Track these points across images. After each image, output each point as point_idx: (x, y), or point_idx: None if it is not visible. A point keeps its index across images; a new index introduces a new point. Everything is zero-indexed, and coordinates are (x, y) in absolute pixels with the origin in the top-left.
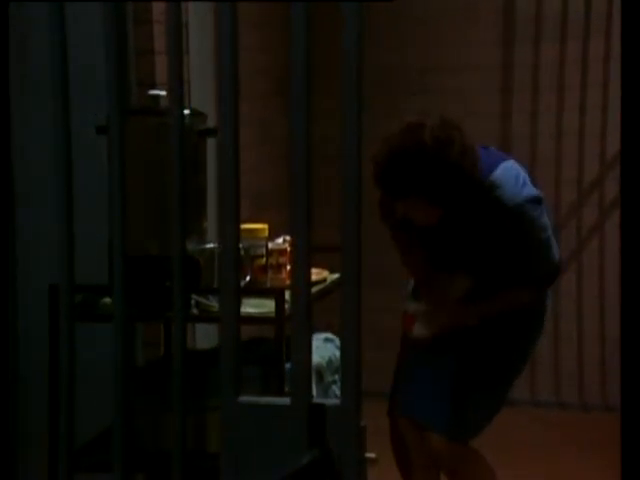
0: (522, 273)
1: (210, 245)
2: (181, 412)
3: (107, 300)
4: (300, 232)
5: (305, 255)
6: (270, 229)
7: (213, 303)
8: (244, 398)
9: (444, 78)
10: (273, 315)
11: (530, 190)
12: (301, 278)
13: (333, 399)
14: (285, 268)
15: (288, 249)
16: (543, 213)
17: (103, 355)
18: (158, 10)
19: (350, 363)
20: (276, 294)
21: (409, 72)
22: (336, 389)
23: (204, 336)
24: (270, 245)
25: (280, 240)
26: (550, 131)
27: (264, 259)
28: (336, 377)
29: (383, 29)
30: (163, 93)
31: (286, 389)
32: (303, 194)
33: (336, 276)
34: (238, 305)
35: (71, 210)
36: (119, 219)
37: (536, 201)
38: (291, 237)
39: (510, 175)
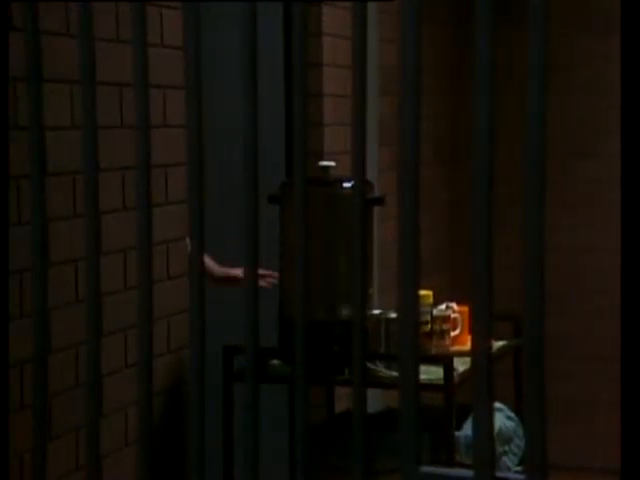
0: None
1: (376, 311)
2: (362, 476)
3: (275, 362)
4: (481, 299)
5: (485, 322)
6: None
7: (380, 368)
8: (425, 468)
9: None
10: (440, 382)
11: None
12: (481, 346)
13: (507, 472)
14: (449, 334)
15: (451, 316)
16: None
17: (266, 415)
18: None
19: (535, 436)
20: (445, 362)
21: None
22: (507, 460)
23: (369, 400)
24: (434, 312)
25: (443, 307)
26: None
27: (429, 326)
28: (506, 448)
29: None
30: (332, 164)
31: (456, 458)
32: (483, 260)
33: (502, 343)
34: (418, 372)
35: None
36: (302, 286)
37: None
38: (471, 304)
39: None
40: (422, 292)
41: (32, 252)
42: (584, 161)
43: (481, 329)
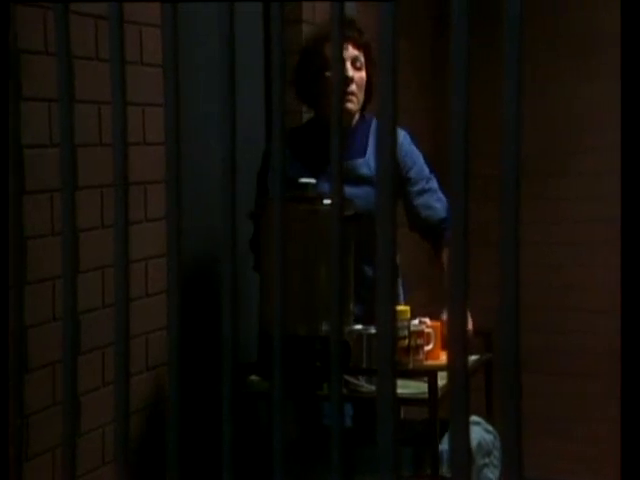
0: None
1: (358, 327)
2: None
3: (254, 378)
4: (456, 313)
5: (462, 337)
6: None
7: (362, 383)
8: None
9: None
10: (422, 396)
11: None
12: (458, 360)
13: None
14: (422, 349)
15: (425, 330)
16: None
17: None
18: None
19: (511, 450)
20: (429, 376)
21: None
22: (488, 472)
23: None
24: None
25: (416, 321)
26: None
27: (406, 341)
28: (487, 460)
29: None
30: (313, 181)
31: (441, 471)
32: (460, 274)
33: (473, 358)
34: (395, 387)
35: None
36: (280, 303)
37: None
38: (448, 318)
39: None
40: (400, 307)
41: (10, 270)
42: (559, 178)
43: (458, 346)
